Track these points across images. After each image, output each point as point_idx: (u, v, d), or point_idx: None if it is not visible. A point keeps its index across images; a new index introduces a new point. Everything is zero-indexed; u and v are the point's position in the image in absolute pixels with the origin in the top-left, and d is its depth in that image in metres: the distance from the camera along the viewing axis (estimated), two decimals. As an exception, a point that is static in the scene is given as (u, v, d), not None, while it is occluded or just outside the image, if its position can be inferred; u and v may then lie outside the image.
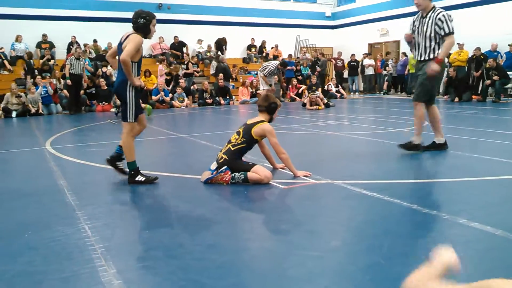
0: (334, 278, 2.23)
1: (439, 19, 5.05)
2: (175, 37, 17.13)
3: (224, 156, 4.18)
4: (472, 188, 3.93)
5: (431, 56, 5.17)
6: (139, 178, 4.14)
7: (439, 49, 5.13)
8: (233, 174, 4.09)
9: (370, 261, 2.39)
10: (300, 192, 3.85)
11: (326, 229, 2.94)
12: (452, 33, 5.06)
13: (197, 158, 5.57)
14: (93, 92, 13.12)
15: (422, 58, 5.25)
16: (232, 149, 4.20)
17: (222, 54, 17.84)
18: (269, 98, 4.46)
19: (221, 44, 17.99)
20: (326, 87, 16.15)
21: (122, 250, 2.62)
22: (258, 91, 14.29)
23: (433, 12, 5.13)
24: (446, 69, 5.21)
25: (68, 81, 12.26)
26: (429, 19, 5.12)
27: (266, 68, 12.78)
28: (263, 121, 4.33)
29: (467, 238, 2.69)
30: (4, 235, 2.92)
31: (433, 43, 5.13)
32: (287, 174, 4.38)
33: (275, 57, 17.64)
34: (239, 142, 4.21)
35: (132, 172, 4.15)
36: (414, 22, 5.35)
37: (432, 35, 5.10)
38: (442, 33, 5.06)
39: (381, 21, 19.15)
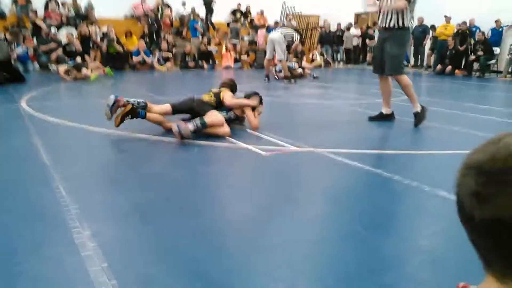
0: (312, 247, 2.21)
1: None
2: (160, -3, 16.55)
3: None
4: (453, 160, 3.95)
5: (391, 24, 5.07)
6: None
7: (401, 16, 5.01)
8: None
9: (350, 230, 2.37)
10: (281, 160, 3.81)
11: (306, 198, 2.91)
12: None
13: (174, 120, 5.47)
14: (72, 50, 12.50)
15: (385, 25, 5.14)
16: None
17: (211, 15, 17.37)
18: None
19: (209, 2, 17.42)
20: (311, 56, 15.97)
21: (97, 212, 2.56)
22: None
23: None
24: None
25: None
26: None
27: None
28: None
29: (448, 211, 2.70)
30: (-26, 193, 2.81)
31: (394, 11, 5.03)
32: (268, 141, 4.32)
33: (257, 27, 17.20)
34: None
35: None
36: None
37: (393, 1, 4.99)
38: None
39: (369, -10, 18.87)
